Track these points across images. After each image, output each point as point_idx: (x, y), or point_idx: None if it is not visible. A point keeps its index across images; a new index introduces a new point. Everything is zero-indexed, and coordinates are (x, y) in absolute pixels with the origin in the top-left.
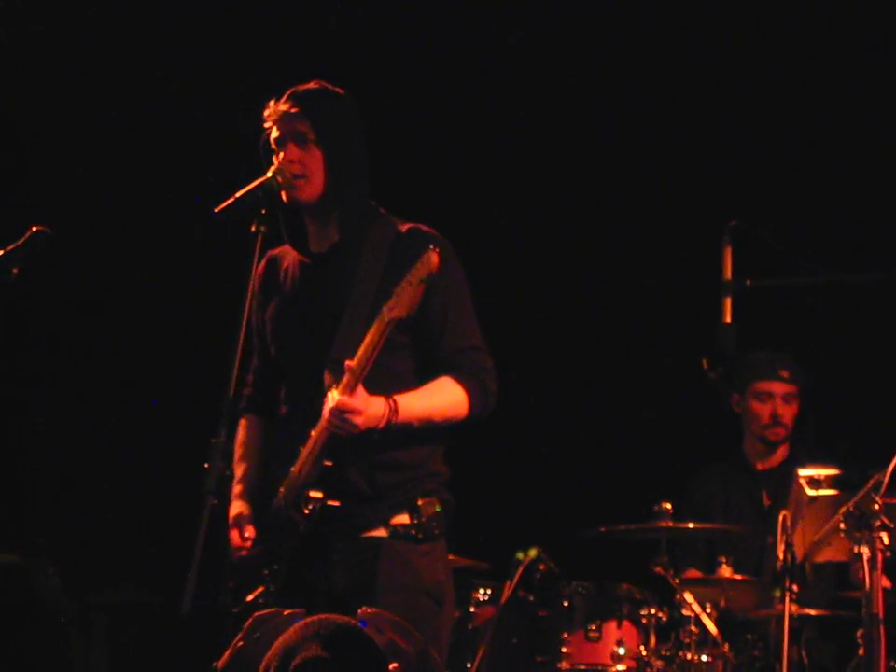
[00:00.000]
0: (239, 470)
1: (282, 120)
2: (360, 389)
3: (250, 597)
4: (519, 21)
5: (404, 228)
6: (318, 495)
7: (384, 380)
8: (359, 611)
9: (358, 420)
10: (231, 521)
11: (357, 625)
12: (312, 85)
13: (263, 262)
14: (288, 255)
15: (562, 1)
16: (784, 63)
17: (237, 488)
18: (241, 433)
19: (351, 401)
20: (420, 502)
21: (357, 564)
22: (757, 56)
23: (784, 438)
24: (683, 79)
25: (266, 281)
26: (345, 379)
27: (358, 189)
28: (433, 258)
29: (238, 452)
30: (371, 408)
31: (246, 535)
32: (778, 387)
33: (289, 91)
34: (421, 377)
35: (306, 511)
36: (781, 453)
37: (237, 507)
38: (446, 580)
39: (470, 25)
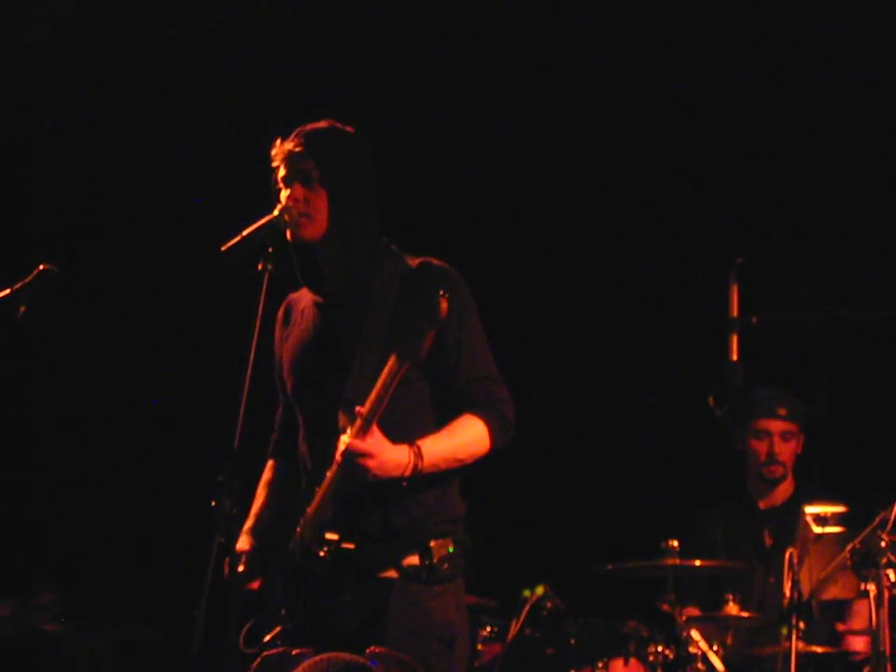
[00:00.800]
0: (253, 508)
1: (288, 159)
2: (376, 433)
3: (268, 637)
4: (532, 50)
5: (414, 263)
6: (334, 537)
7: (399, 415)
8: (368, 650)
9: (371, 463)
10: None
11: (367, 664)
12: (320, 124)
13: (283, 305)
14: (305, 296)
15: (578, 33)
16: (792, 100)
17: (246, 524)
18: (264, 475)
19: (361, 444)
20: (432, 544)
21: (369, 604)
22: (764, 91)
23: (781, 476)
24: (692, 116)
25: (284, 323)
26: (357, 423)
27: (365, 228)
28: (443, 304)
29: (257, 492)
30: (388, 454)
31: (239, 570)
32: (776, 425)
33: (296, 130)
34: (437, 408)
35: (321, 554)
36: (784, 491)
37: (240, 542)
38: (458, 621)
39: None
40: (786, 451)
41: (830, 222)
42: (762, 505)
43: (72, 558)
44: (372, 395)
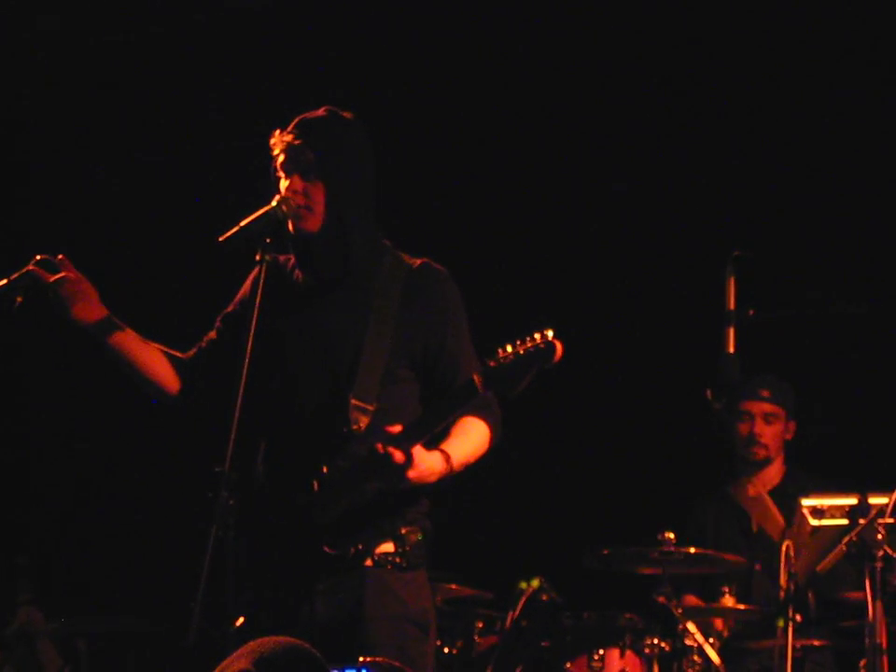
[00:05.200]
0: None
1: (287, 150)
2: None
3: (236, 624)
4: (526, 47)
5: (416, 263)
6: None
7: (389, 408)
8: (361, 660)
9: (412, 474)
10: None
11: (303, 646)
12: (320, 112)
13: (261, 267)
14: (291, 272)
15: (571, 31)
16: (789, 93)
17: None
18: None
19: (405, 456)
20: (403, 531)
21: (342, 593)
22: (761, 85)
23: (764, 458)
24: (689, 110)
25: (265, 293)
26: (401, 431)
27: (363, 220)
28: (559, 348)
29: None
30: (427, 463)
31: None
32: (758, 407)
33: (297, 120)
34: (423, 405)
35: (333, 553)
36: (772, 479)
37: None
38: (430, 608)
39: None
40: (768, 433)
41: (826, 214)
42: (751, 492)
43: (64, 550)
44: (435, 412)
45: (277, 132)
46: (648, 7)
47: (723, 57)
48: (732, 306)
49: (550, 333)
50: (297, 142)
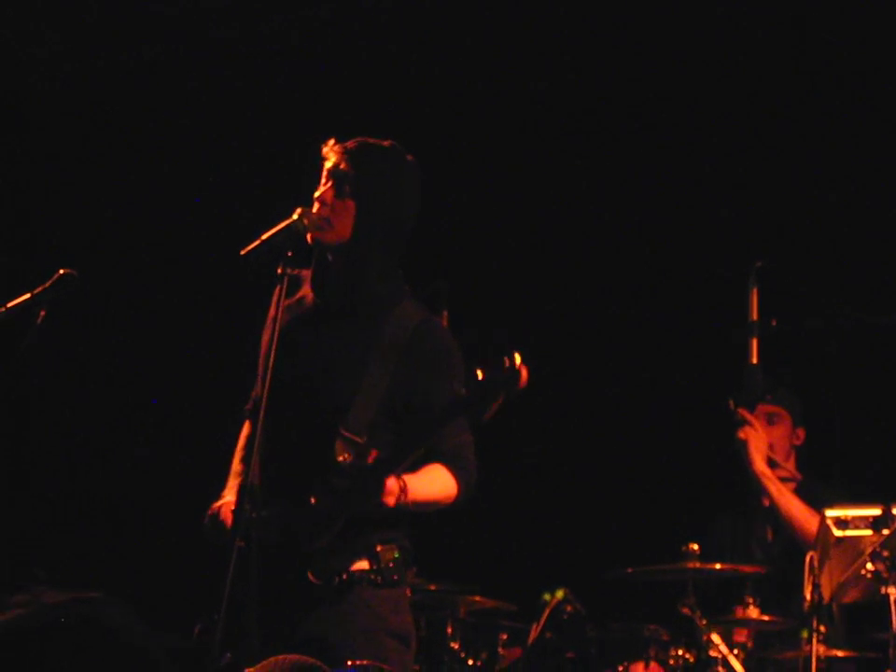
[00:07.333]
0: (239, 467)
1: (332, 161)
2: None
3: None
4: (544, 58)
5: (429, 317)
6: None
7: (378, 447)
8: (348, 662)
9: (390, 500)
10: (225, 508)
11: (316, 663)
12: (383, 142)
13: (285, 281)
14: (305, 288)
15: (588, 61)
16: (813, 106)
17: (232, 481)
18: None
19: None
20: (379, 548)
21: (319, 610)
22: (786, 98)
23: (770, 462)
24: (713, 122)
25: (283, 307)
26: (377, 455)
27: (385, 254)
28: (524, 374)
29: (240, 452)
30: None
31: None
32: (759, 409)
33: (356, 138)
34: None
35: (317, 582)
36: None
37: (227, 497)
38: (410, 622)
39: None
40: (771, 434)
41: (849, 225)
42: (766, 502)
43: (84, 562)
44: (414, 438)
45: (332, 141)
46: (672, 24)
47: (748, 70)
48: (755, 317)
49: (518, 359)
50: (344, 156)
